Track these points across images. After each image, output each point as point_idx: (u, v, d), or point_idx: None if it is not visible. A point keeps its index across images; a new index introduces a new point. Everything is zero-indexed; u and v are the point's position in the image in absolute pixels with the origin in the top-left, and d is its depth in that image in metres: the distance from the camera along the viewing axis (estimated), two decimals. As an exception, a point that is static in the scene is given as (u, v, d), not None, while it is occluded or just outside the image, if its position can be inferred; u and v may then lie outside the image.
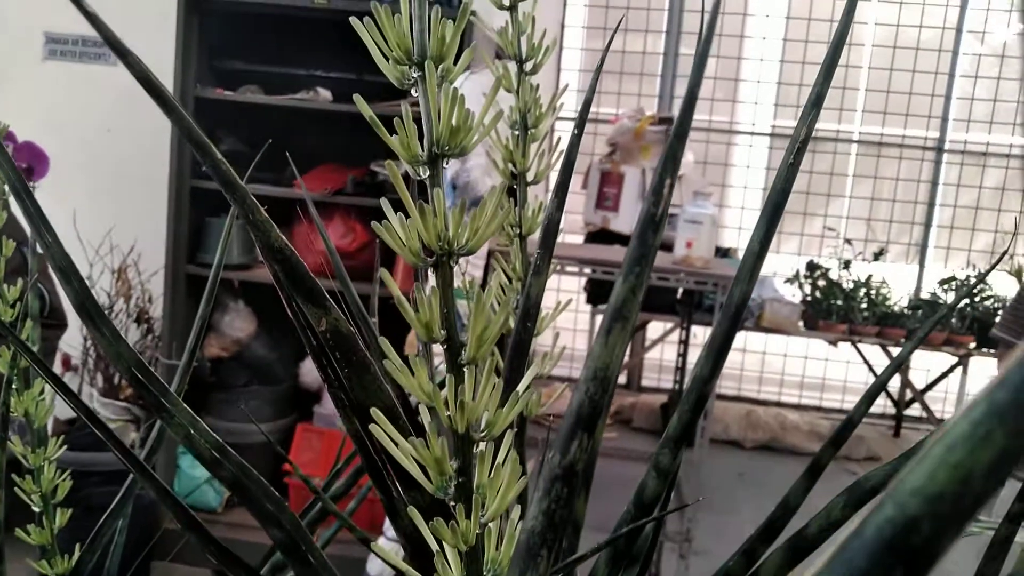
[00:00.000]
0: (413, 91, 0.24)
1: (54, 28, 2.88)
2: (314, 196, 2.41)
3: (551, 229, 0.35)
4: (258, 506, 0.41)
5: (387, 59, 0.25)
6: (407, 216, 0.24)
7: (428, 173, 0.24)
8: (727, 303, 0.32)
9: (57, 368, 2.66)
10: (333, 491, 0.74)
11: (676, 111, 3.67)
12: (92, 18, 0.22)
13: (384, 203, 0.25)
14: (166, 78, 2.40)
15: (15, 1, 2.96)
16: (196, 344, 0.79)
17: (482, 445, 0.23)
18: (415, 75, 0.24)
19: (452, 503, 0.23)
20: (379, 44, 0.24)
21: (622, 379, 5.08)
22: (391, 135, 0.26)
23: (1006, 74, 4.80)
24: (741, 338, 4.50)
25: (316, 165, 2.61)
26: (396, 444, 0.23)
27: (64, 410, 2.61)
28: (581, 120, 0.37)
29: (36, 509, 0.56)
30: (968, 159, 4.90)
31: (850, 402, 5.01)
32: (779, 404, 4.88)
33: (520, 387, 0.22)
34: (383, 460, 0.26)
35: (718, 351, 0.34)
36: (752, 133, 5.08)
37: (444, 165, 0.24)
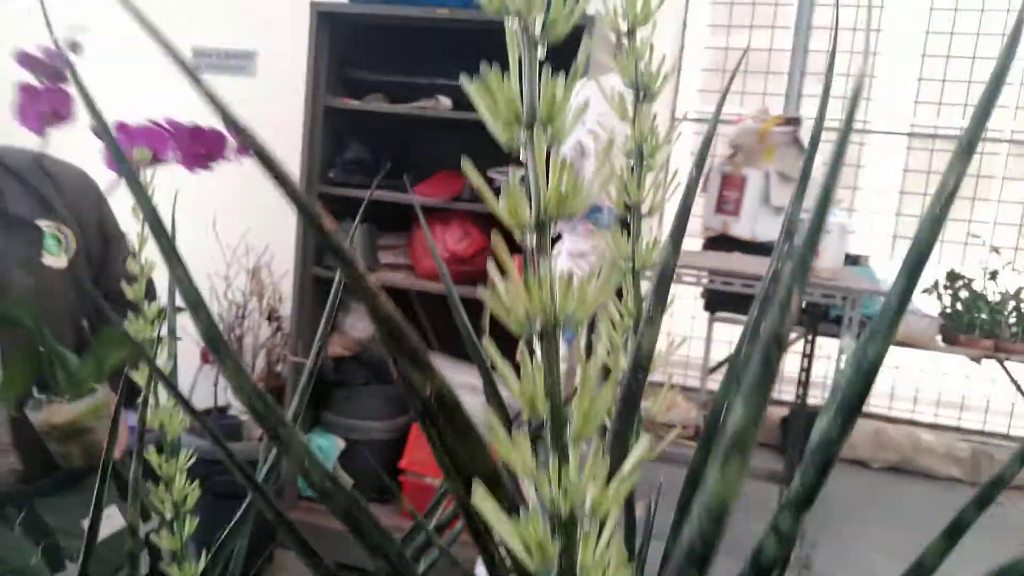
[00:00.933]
0: (522, 152, 0.24)
1: (201, 43, 3.09)
2: (432, 202, 2.47)
3: (666, 275, 0.33)
4: (367, 538, 0.42)
5: (496, 119, 0.24)
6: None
7: (534, 239, 0.23)
8: (858, 361, 0.30)
9: (197, 360, 2.85)
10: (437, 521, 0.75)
11: (803, 110, 3.50)
12: (219, 105, 0.23)
13: (491, 266, 0.24)
14: (299, 88, 2.52)
15: (166, 18, 3.19)
16: (320, 349, 0.81)
17: (586, 524, 0.22)
18: (523, 136, 0.23)
19: (555, 585, 0.22)
20: (488, 106, 0.24)
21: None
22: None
23: None
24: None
25: (436, 171, 2.67)
26: (497, 520, 0.22)
27: (199, 400, 2.79)
28: (700, 160, 0.35)
29: (168, 516, 0.59)
30: None
31: (993, 423, 4.63)
32: (912, 423, 4.56)
33: (627, 466, 0.21)
34: (486, 527, 0.26)
35: (848, 411, 0.31)
36: (888, 132, 4.78)
37: (552, 230, 0.23)
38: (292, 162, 2.59)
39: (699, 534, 0.13)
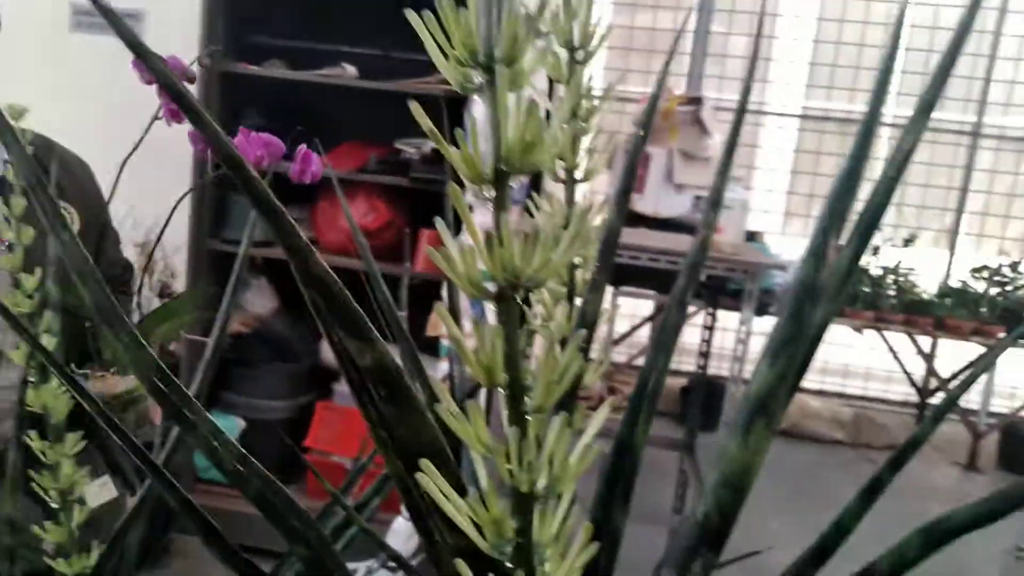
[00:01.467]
0: (477, 96, 0.21)
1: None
2: (337, 174, 2.39)
3: (611, 240, 0.32)
4: (284, 523, 0.39)
5: (446, 57, 0.22)
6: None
7: (493, 194, 0.21)
8: (797, 319, 0.29)
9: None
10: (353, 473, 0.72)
11: (705, 91, 3.60)
12: (108, 13, 0.19)
13: (439, 223, 0.22)
14: (191, 52, 2.38)
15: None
16: (223, 328, 0.77)
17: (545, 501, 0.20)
18: (480, 79, 0.21)
19: (510, 565, 0.21)
20: (438, 40, 0.21)
21: (641, 360, 5.04)
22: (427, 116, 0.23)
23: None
24: (763, 324, 4.44)
25: (340, 142, 2.59)
26: (448, 497, 0.20)
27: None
28: (647, 120, 0.34)
29: (55, 506, 0.54)
30: (1005, 144, 4.77)
31: (873, 389, 4.95)
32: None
33: (587, 435, 0.20)
34: (428, 505, 0.24)
35: (792, 386, 0.30)
36: (782, 115, 4.98)
37: (512, 185, 0.21)
38: (185, 131, 2.44)
39: (716, 507, 0.12)
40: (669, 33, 4.73)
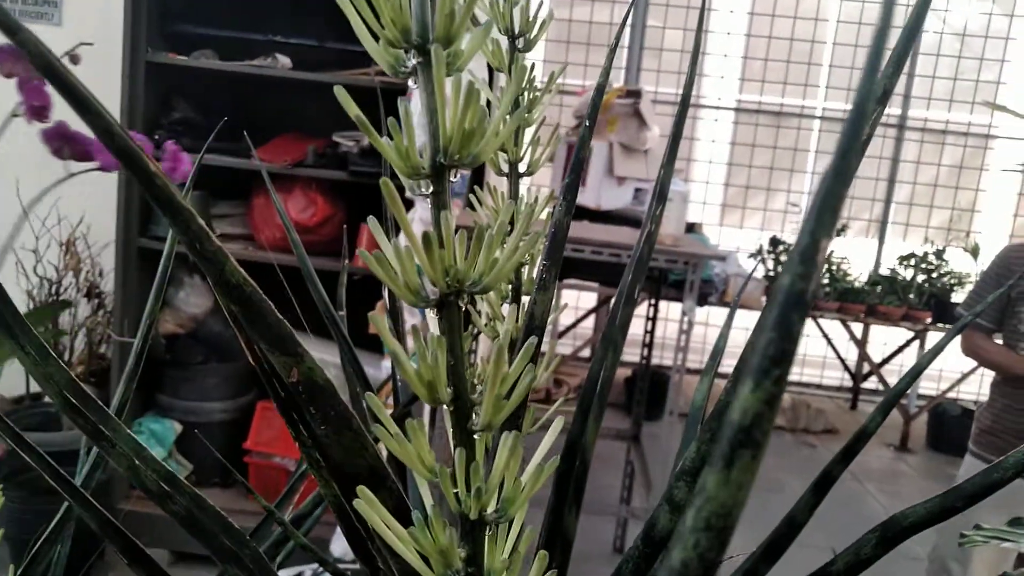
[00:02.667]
0: (411, 82, 0.19)
1: (-8, -16, 2.71)
2: (273, 168, 2.32)
3: (559, 238, 0.30)
4: (214, 542, 0.36)
5: (376, 39, 0.20)
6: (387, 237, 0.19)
7: (431, 189, 0.19)
8: (760, 324, 0.28)
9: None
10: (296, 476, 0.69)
11: (643, 84, 3.63)
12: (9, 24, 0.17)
13: (372, 222, 0.20)
14: (115, 42, 2.27)
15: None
16: (149, 329, 0.73)
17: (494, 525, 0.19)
18: (414, 61, 0.19)
19: (459, 595, 0.19)
20: (367, 20, 0.19)
21: (585, 352, 5.08)
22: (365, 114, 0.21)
23: (966, 53, 4.85)
24: (705, 313, 4.52)
25: (275, 135, 2.51)
26: (389, 526, 0.18)
27: (10, 387, 2.50)
28: (593, 112, 0.32)
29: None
30: (928, 136, 4.96)
31: (808, 375, 5.10)
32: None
33: (540, 453, 0.18)
34: (367, 531, 0.22)
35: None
36: (718, 107, 5.07)
37: (452, 179, 0.19)
38: (110, 122, 2.34)
39: (696, 556, 0.10)
40: (606, 26, 4.76)
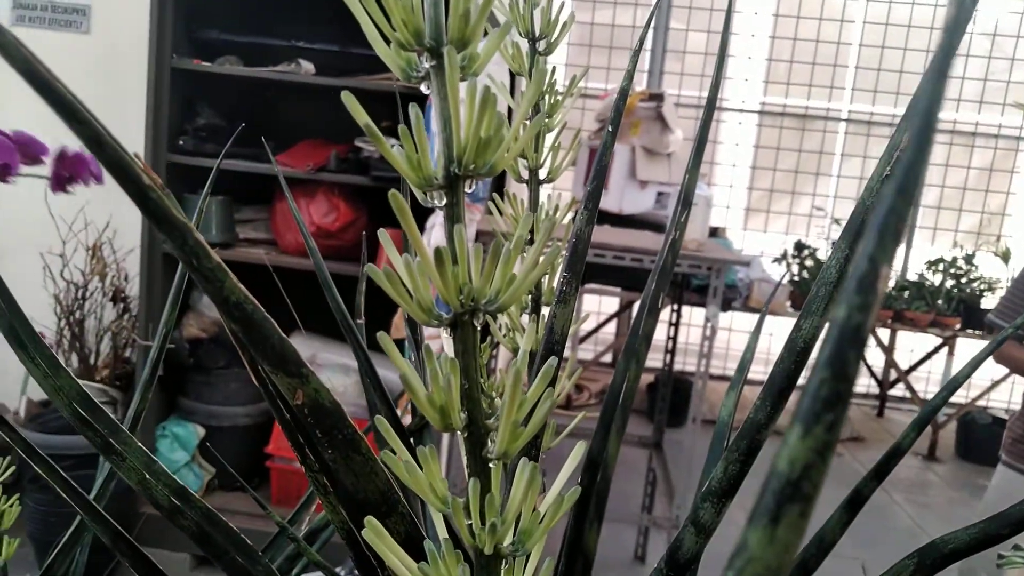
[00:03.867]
0: (423, 87, 0.18)
1: (22, -7, 2.75)
2: (295, 173, 2.33)
3: (580, 249, 0.29)
4: (227, 559, 0.36)
5: (387, 42, 0.19)
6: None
7: (445, 201, 0.18)
8: (792, 338, 0.27)
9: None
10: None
11: (665, 87, 3.60)
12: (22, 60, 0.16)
13: (383, 236, 0.19)
14: (141, 48, 2.30)
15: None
16: (166, 337, 0.72)
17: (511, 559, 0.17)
18: (427, 65, 0.18)
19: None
20: (377, 22, 0.18)
21: (607, 358, 5.05)
22: (382, 116, 0.20)
23: (996, 53, 4.76)
24: (728, 318, 4.48)
25: (298, 140, 2.53)
26: (399, 559, 0.17)
27: (39, 391, 2.53)
28: (616, 116, 0.31)
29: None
30: (957, 139, 4.87)
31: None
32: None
33: (559, 482, 0.17)
34: (378, 559, 0.21)
35: (778, 394, 0.28)
36: (742, 110, 5.02)
37: (467, 189, 0.18)
38: (136, 129, 2.36)
39: None
40: (628, 29, 4.73)
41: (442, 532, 0.19)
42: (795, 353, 0.27)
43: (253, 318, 0.16)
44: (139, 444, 0.36)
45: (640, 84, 4.35)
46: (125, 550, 0.40)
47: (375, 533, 0.17)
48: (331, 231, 2.38)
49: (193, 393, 2.52)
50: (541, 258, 0.18)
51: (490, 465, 0.18)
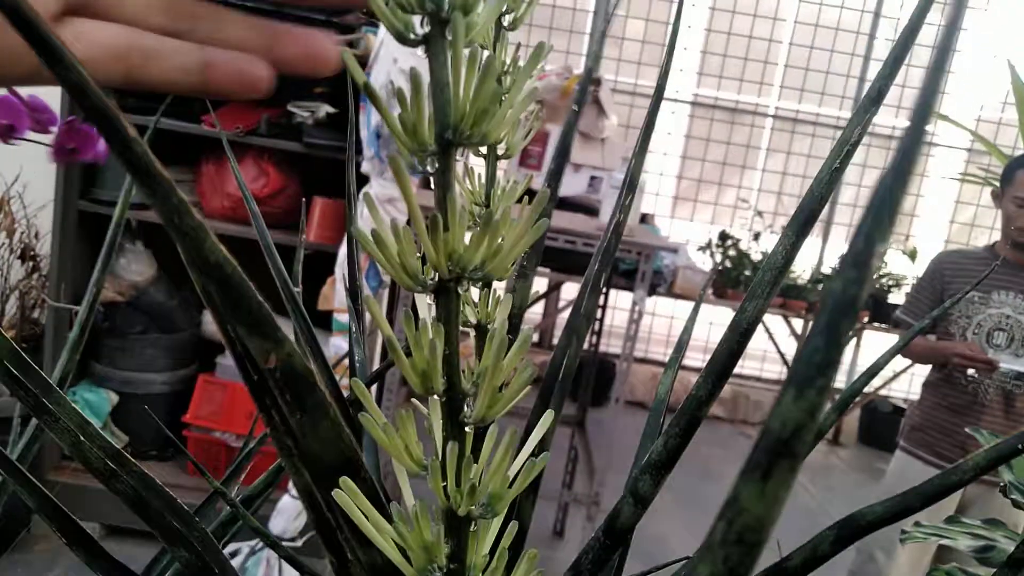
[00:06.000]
0: (420, 50, 0.18)
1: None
2: (222, 135, 2.25)
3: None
4: (161, 523, 0.35)
5: (386, 1, 0.19)
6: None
7: (437, 166, 0.18)
8: (736, 320, 0.28)
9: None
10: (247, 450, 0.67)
11: (602, 72, 3.61)
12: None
13: (368, 198, 0.19)
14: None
15: None
16: (95, 298, 0.70)
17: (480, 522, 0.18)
18: (426, 29, 0.18)
19: (440, 592, 0.18)
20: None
21: (535, 337, 5.11)
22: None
23: (915, 62, 4.99)
24: (652, 303, 4.58)
25: (227, 101, 2.44)
26: (369, 518, 0.17)
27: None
28: (581, 97, 0.31)
29: None
30: (875, 141, 5.09)
31: (749, 368, 5.23)
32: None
33: (527, 448, 0.17)
34: (338, 519, 0.21)
35: (719, 373, 0.29)
36: (675, 100, 5.11)
37: (458, 157, 0.18)
38: (54, 87, 2.23)
39: (725, 569, 0.10)
40: (569, 11, 4.74)
41: (409, 498, 0.19)
42: (739, 333, 0.28)
43: (232, 279, 0.16)
44: (73, 405, 0.35)
45: (577, 68, 4.37)
46: (51, 514, 0.39)
47: (350, 493, 0.17)
48: (260, 197, 2.31)
49: (106, 358, 2.42)
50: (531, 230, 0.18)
51: (466, 430, 0.18)
